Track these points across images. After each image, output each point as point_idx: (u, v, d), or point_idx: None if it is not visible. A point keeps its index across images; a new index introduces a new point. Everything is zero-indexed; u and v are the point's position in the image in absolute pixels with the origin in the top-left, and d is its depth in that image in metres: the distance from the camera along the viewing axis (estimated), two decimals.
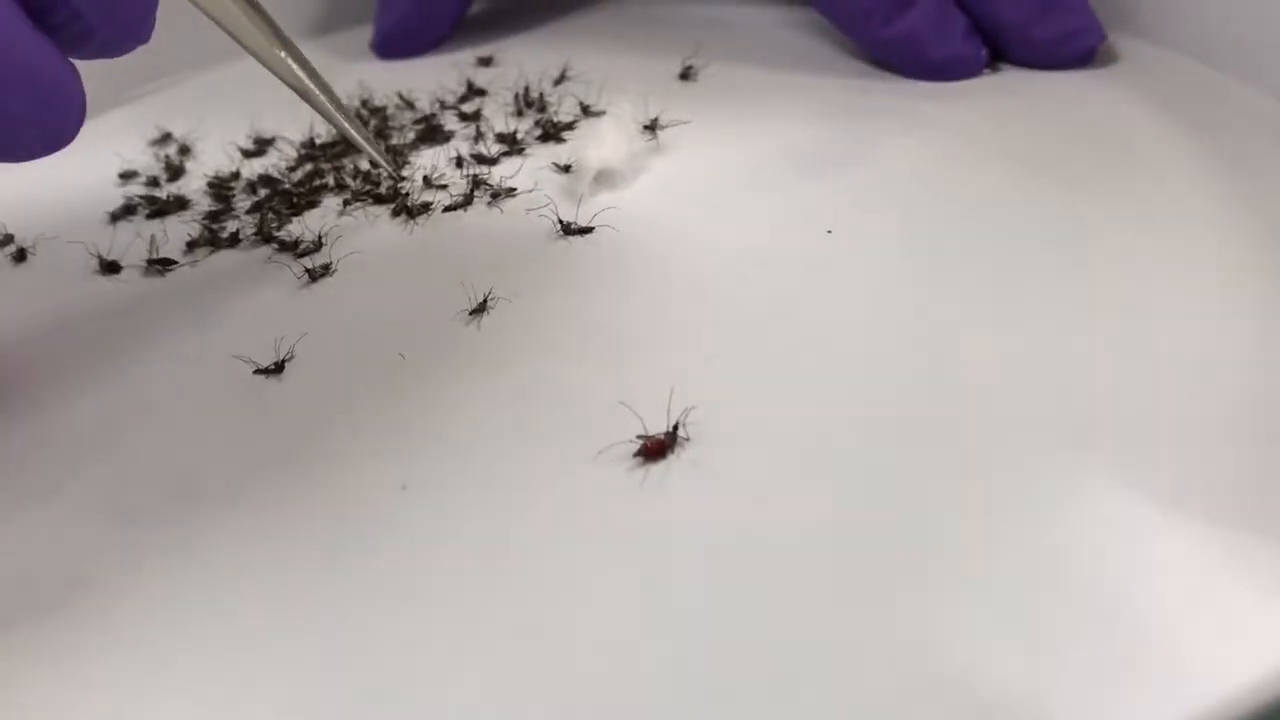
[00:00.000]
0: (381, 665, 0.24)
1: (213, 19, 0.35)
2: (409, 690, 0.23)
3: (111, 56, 0.30)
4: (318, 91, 0.37)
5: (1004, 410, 0.29)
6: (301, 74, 0.37)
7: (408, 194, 0.41)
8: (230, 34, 0.36)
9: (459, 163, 0.43)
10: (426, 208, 0.40)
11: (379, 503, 0.28)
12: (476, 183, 0.41)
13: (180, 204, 0.43)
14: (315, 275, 0.37)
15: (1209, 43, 0.45)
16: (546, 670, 0.23)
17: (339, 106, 0.38)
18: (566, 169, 0.42)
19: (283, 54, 0.36)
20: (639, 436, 0.28)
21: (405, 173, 0.43)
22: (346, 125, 0.38)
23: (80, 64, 0.32)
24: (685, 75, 0.49)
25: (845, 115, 0.45)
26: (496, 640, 0.24)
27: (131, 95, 0.53)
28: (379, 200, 0.41)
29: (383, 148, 0.41)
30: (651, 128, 0.43)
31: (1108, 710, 0.21)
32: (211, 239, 0.40)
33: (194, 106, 0.51)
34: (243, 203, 0.43)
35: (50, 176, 0.47)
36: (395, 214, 0.40)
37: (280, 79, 0.37)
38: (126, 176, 0.46)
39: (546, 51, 0.52)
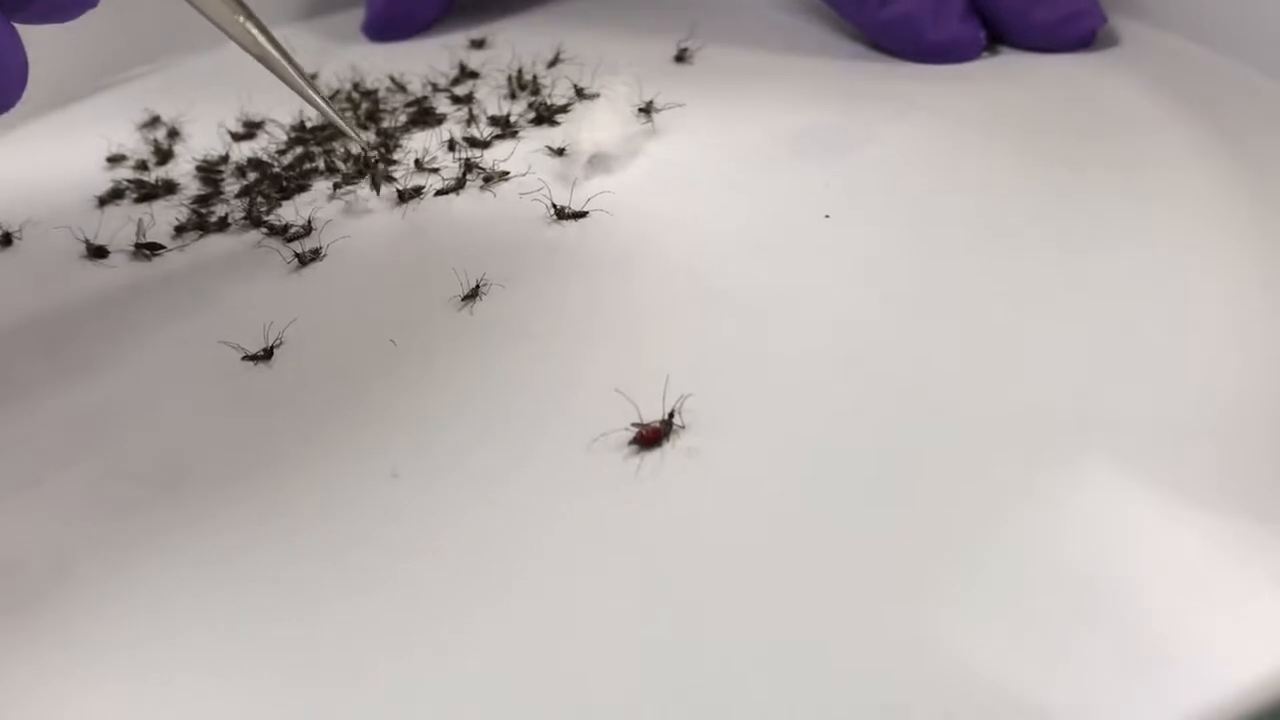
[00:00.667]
0: (370, 655, 0.24)
1: None
2: (398, 680, 0.23)
3: (58, 20, 0.29)
4: (284, 62, 0.36)
5: (1003, 399, 0.28)
6: (266, 44, 0.35)
7: (376, 162, 0.40)
8: (193, 3, 0.35)
9: (451, 146, 0.43)
10: (418, 191, 0.40)
11: (369, 490, 0.28)
12: (469, 166, 0.41)
13: (169, 188, 0.43)
14: (305, 260, 0.37)
15: (1208, 25, 0.44)
16: (538, 661, 0.23)
17: (305, 78, 0.36)
18: (560, 152, 0.41)
19: (243, 20, 0.35)
20: (634, 424, 0.28)
21: (396, 155, 0.42)
22: (314, 95, 0.37)
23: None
24: (680, 57, 0.48)
25: (842, 98, 0.44)
26: (488, 630, 0.24)
27: (120, 78, 0.53)
28: (373, 183, 0.41)
29: (343, 117, 0.40)
30: (646, 110, 0.43)
31: (1108, 707, 0.21)
32: (200, 223, 0.40)
33: (183, 89, 0.50)
34: (232, 186, 0.42)
35: (37, 160, 0.47)
36: (373, 186, 0.40)
37: (245, 49, 0.35)
38: (114, 160, 0.45)
39: (540, 33, 0.52)
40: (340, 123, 0.38)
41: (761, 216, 0.37)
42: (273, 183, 0.42)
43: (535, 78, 0.47)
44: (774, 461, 0.27)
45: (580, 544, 0.26)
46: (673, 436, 0.28)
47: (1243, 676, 0.21)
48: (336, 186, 0.41)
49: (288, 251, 0.37)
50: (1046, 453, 0.27)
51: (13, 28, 0.27)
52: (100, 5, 0.34)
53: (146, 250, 0.39)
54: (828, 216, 0.36)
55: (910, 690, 0.22)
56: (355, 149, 0.43)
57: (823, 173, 0.39)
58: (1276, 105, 0.40)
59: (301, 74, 0.36)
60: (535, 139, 0.43)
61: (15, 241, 0.41)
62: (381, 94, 0.48)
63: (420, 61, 0.50)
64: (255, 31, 0.35)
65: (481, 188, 0.40)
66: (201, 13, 0.35)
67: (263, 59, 0.36)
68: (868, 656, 0.22)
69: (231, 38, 0.35)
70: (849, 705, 0.22)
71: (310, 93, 0.37)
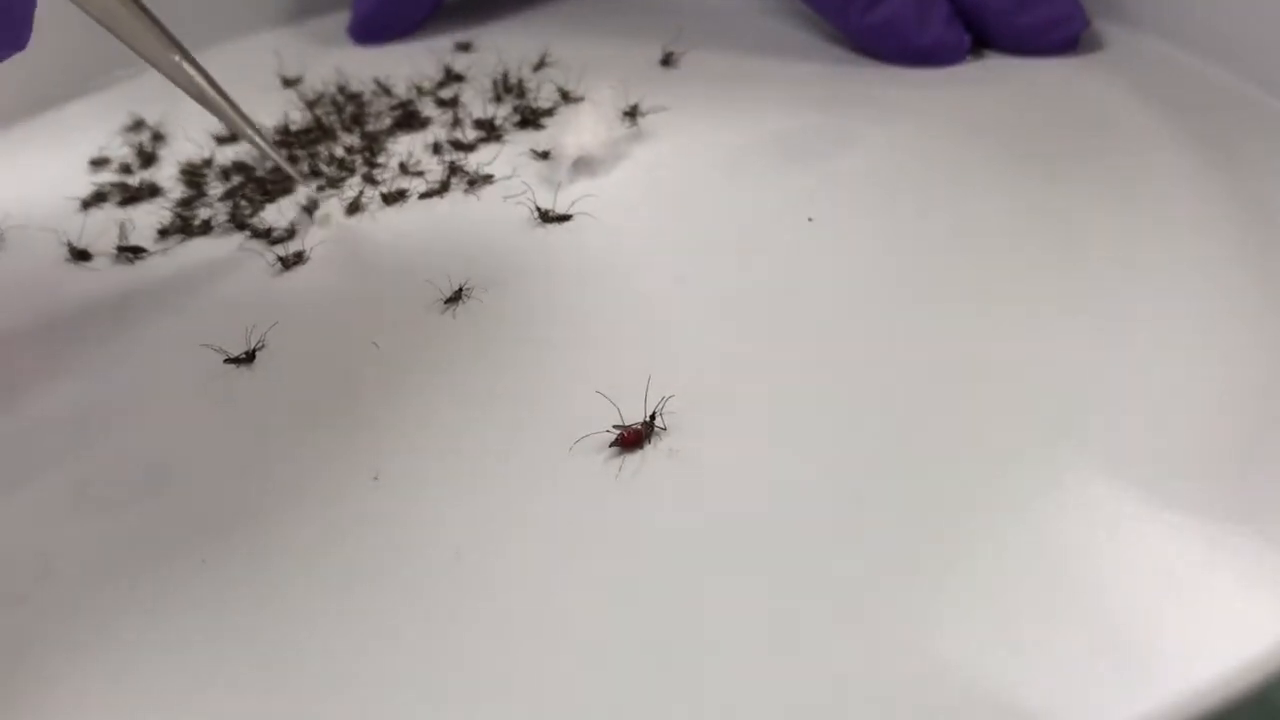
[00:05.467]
0: (351, 652, 0.24)
1: (104, 25, 0.34)
2: (379, 677, 0.23)
3: None
4: (216, 95, 0.36)
5: (984, 400, 0.28)
6: (198, 78, 0.36)
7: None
8: (124, 41, 0.35)
9: (436, 149, 0.43)
10: (402, 194, 0.40)
11: (351, 494, 0.28)
12: (453, 169, 0.41)
13: (152, 191, 0.43)
14: (288, 263, 0.37)
15: (1192, 29, 0.44)
16: (517, 666, 0.23)
17: (237, 111, 0.37)
18: (545, 155, 0.41)
19: (178, 58, 0.35)
20: (615, 426, 0.28)
21: (381, 159, 0.42)
22: (248, 130, 0.37)
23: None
24: (666, 61, 0.48)
25: (827, 102, 0.44)
26: (466, 635, 0.24)
27: (104, 82, 0.52)
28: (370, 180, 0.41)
29: (283, 154, 0.40)
30: (631, 114, 0.43)
31: (1084, 700, 0.21)
32: (183, 226, 0.40)
33: (167, 93, 0.50)
34: (215, 189, 0.42)
35: (21, 163, 0.47)
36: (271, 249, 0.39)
37: (177, 84, 0.36)
38: (98, 163, 0.45)
39: (526, 37, 0.52)
40: (277, 159, 0.38)
41: (745, 219, 0.37)
42: (256, 185, 0.42)
43: (521, 81, 0.47)
44: (755, 463, 0.27)
45: (561, 545, 0.26)
46: (654, 438, 0.28)
47: (1212, 672, 0.21)
48: (320, 189, 0.41)
49: (271, 254, 0.37)
50: (1024, 454, 0.27)
51: None
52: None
53: (129, 253, 0.39)
54: (810, 219, 0.36)
55: (891, 685, 0.22)
56: (340, 151, 0.43)
57: (806, 176, 0.39)
58: (1259, 110, 0.40)
59: (239, 112, 0.37)
60: (520, 142, 0.43)
61: None
62: (366, 97, 0.48)
63: (405, 65, 0.50)
64: (192, 71, 0.35)
65: (466, 191, 0.40)
66: (133, 49, 0.34)
67: (200, 98, 0.36)
68: (847, 653, 0.22)
69: (165, 74, 0.35)
70: (829, 700, 0.22)
71: (249, 131, 0.37)
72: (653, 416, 0.28)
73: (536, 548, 0.26)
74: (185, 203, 0.41)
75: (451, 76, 0.49)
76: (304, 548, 0.27)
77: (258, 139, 0.37)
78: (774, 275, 0.34)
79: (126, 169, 0.45)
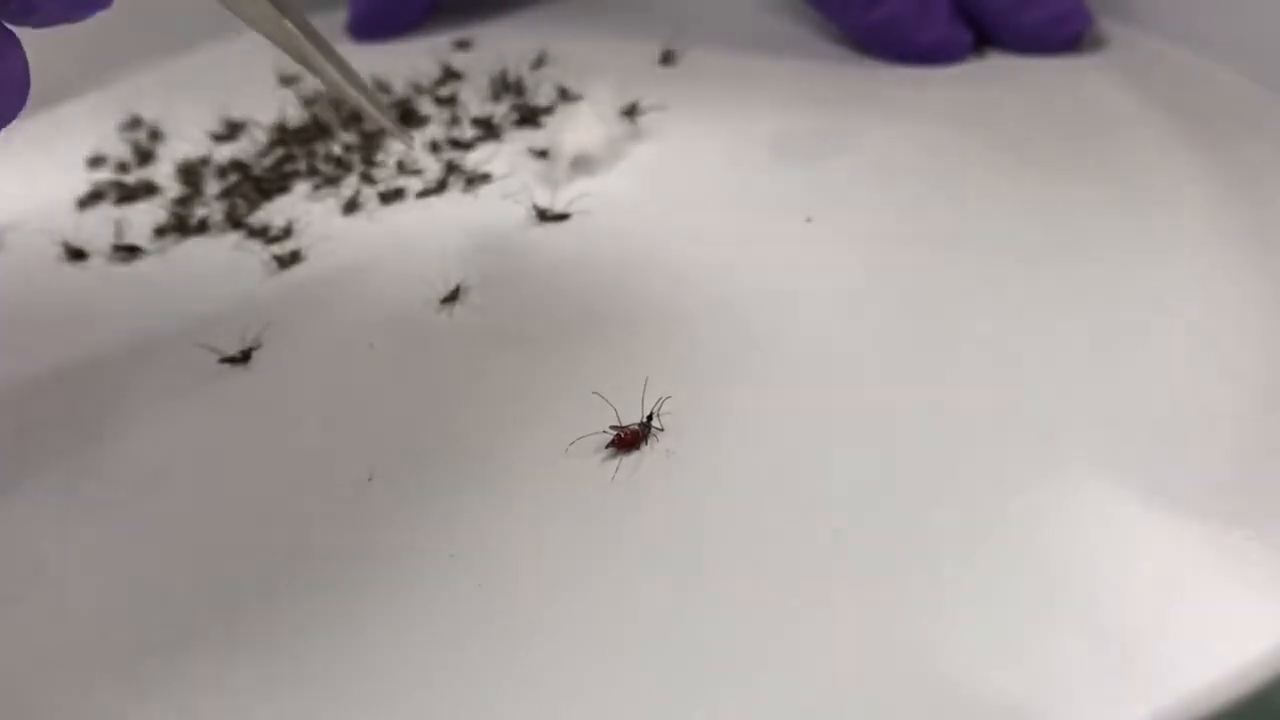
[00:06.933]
0: (342, 660, 0.23)
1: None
2: (369, 689, 0.23)
3: (72, 21, 0.28)
4: (328, 64, 0.30)
5: (984, 401, 0.28)
6: (309, 45, 0.32)
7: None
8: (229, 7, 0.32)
9: (434, 147, 0.43)
10: (400, 193, 0.40)
11: (344, 494, 0.28)
12: (451, 168, 0.41)
13: (149, 189, 0.42)
14: (284, 262, 0.37)
15: (1195, 28, 0.44)
16: (512, 667, 0.23)
17: (350, 75, 0.31)
18: (543, 154, 0.41)
19: (288, 23, 0.32)
20: (612, 427, 0.28)
21: (379, 157, 0.42)
22: (359, 96, 0.32)
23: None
24: (665, 60, 0.48)
25: (827, 101, 0.44)
26: (460, 638, 0.24)
27: (101, 80, 0.52)
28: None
29: (393, 115, 0.37)
30: (630, 113, 0.42)
31: (1084, 703, 0.21)
32: (180, 225, 0.40)
33: (164, 91, 0.50)
34: (212, 188, 0.42)
35: (17, 162, 0.47)
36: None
37: (285, 50, 0.32)
38: (95, 162, 0.45)
39: (524, 35, 0.51)
40: (391, 124, 0.33)
41: (743, 219, 0.37)
42: (253, 184, 0.41)
43: (519, 79, 0.47)
44: (752, 465, 0.27)
45: (557, 547, 0.25)
46: (651, 439, 0.28)
47: (1212, 674, 0.21)
48: (317, 188, 0.41)
49: (267, 253, 0.37)
50: (1022, 456, 0.26)
51: (13, 34, 0.26)
52: None
53: (125, 252, 0.38)
54: (809, 220, 0.36)
55: (889, 688, 0.22)
56: (337, 150, 0.43)
57: (805, 176, 0.38)
58: (1260, 108, 0.40)
59: (351, 74, 0.32)
60: (518, 141, 0.42)
61: None
62: None
63: (404, 62, 0.50)
64: (298, 32, 0.32)
65: (463, 190, 0.40)
66: (238, 14, 0.32)
67: (308, 63, 0.32)
68: (845, 657, 0.22)
69: (272, 39, 0.32)
70: (828, 703, 0.21)
71: (357, 95, 0.32)
72: (650, 417, 0.28)
73: (532, 549, 0.25)
74: (182, 201, 0.41)
75: (450, 74, 0.48)
76: (297, 548, 0.26)
77: (371, 108, 0.32)
78: (772, 275, 0.34)
79: (123, 167, 0.44)
